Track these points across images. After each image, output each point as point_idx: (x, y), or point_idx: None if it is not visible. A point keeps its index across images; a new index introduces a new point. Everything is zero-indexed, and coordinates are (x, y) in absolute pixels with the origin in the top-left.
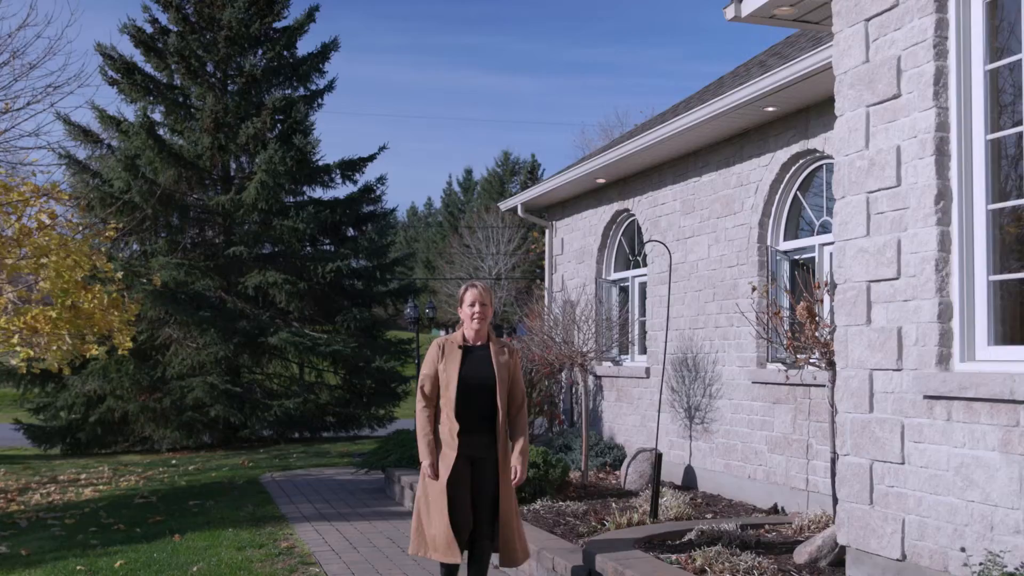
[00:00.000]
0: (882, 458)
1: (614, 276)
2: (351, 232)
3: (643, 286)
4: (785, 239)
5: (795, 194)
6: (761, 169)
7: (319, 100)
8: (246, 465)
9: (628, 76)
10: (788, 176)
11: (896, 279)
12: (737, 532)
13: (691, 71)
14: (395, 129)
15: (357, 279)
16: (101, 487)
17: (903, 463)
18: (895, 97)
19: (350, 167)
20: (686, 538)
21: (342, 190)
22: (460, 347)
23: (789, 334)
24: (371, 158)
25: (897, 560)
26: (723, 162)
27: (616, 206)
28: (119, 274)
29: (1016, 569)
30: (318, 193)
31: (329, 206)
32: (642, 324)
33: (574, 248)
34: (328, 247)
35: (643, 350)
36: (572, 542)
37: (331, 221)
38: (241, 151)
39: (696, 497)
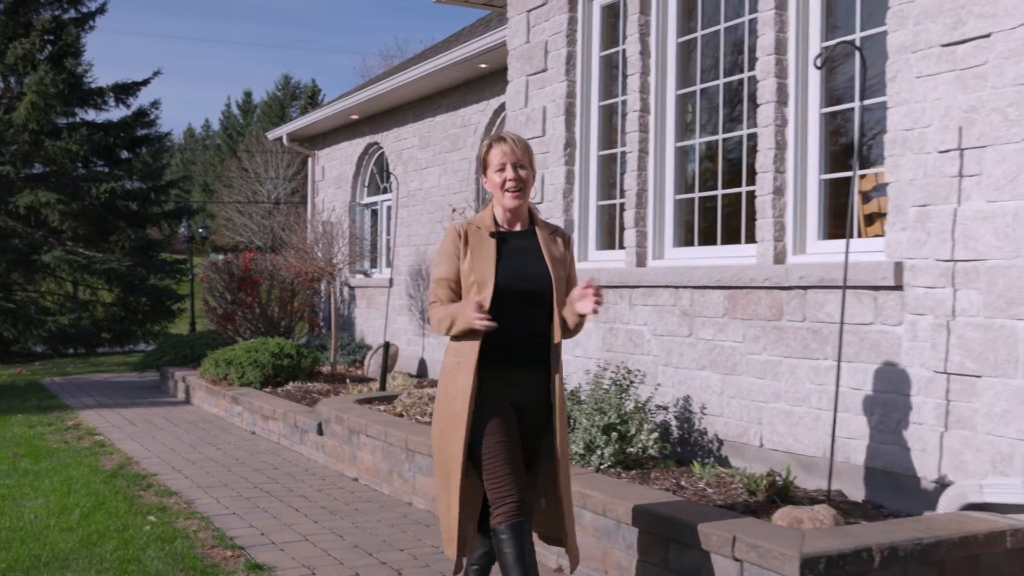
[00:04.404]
0: None
1: (366, 200)
2: (125, 155)
3: (390, 209)
4: None
5: None
6: (479, 113)
7: (91, 22)
8: (23, 374)
9: None
10: (499, 120)
11: (541, 203)
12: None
13: None
14: (172, 46)
15: (132, 200)
16: None
17: None
18: (544, 71)
19: (124, 90)
20: (397, 399)
21: (116, 113)
22: (493, 234)
23: None
24: (145, 82)
25: None
26: (452, 106)
27: (368, 139)
28: None
29: (580, 386)
30: (91, 116)
31: (103, 128)
32: (388, 242)
33: (333, 175)
34: (102, 168)
35: (389, 264)
36: (311, 407)
37: (105, 143)
38: (9, 71)
39: (423, 382)
